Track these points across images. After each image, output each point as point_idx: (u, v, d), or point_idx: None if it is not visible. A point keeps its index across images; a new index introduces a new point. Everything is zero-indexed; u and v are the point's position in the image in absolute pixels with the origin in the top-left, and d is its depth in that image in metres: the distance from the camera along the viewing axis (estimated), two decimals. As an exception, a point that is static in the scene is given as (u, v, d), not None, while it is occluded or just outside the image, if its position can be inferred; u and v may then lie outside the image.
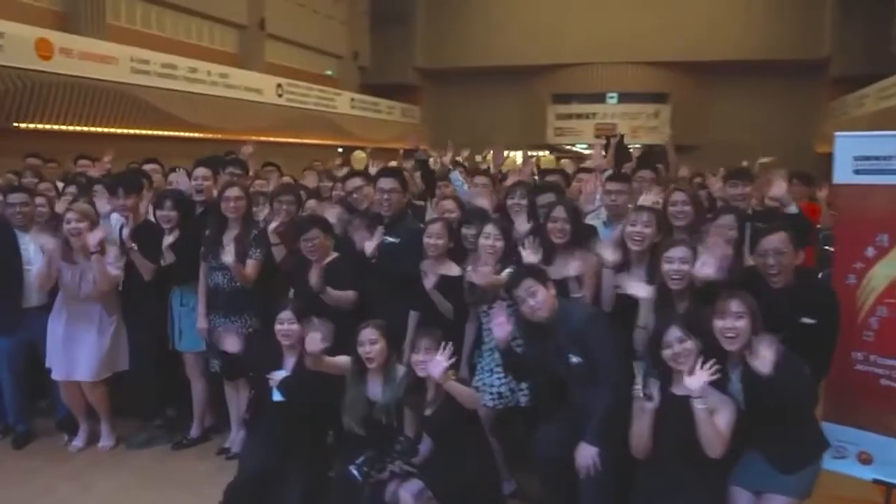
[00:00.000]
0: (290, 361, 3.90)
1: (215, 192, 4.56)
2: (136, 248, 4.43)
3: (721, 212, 3.76)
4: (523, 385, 3.81)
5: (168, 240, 4.40)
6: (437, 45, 22.57)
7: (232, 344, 3.82)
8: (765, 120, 19.93)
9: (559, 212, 3.74)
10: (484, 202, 4.42)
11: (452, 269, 4.01)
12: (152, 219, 4.62)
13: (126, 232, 4.47)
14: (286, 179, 6.46)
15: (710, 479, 3.04)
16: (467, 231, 4.07)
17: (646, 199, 4.05)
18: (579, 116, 22.17)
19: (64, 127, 12.15)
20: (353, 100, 20.39)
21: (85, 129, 12.48)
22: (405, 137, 21.85)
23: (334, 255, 4.25)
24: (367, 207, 4.53)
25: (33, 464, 4.51)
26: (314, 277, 4.11)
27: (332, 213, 4.44)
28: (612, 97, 21.87)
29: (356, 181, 4.64)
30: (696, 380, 2.92)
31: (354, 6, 21.81)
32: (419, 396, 3.59)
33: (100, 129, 12.71)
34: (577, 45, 21.15)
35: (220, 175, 5.04)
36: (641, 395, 3.02)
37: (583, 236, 3.77)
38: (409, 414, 3.68)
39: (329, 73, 21.21)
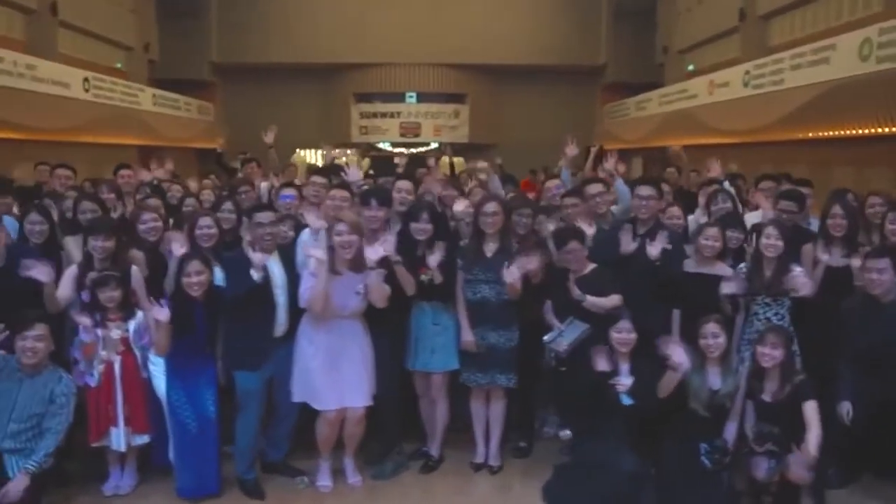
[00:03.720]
0: (624, 367, 4.15)
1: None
2: (401, 261, 4.24)
3: None
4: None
5: (436, 257, 4.29)
6: (234, 40, 21.45)
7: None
8: (552, 119, 22.06)
9: (837, 209, 4.44)
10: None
11: (726, 270, 4.49)
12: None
13: (388, 245, 4.23)
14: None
15: None
16: (731, 234, 4.58)
17: None
18: (384, 115, 22.60)
19: None
20: (154, 96, 18.74)
21: None
22: (205, 136, 20.68)
23: (591, 265, 4.50)
24: (605, 213, 4.83)
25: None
26: (573, 288, 4.36)
27: (586, 226, 4.65)
28: (411, 97, 22.60)
29: (598, 186, 4.89)
30: None
31: (142, -7, 19.95)
32: (758, 383, 4.07)
33: None
34: (377, 45, 21.50)
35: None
36: None
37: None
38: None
39: (118, 65, 19.19)
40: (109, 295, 4.11)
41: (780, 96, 13.36)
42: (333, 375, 4.15)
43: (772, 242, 4.35)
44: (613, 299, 4.38)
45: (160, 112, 18.82)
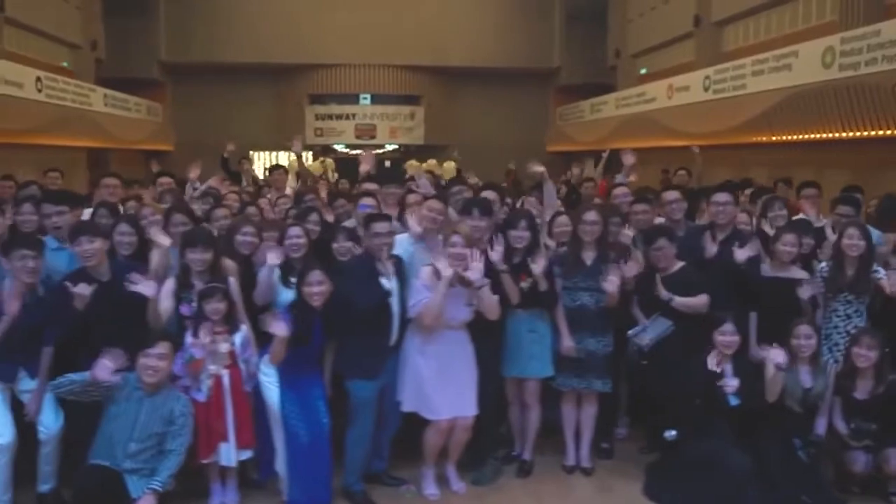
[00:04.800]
0: (728, 368, 4.31)
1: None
2: (507, 270, 4.30)
3: None
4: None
5: (541, 264, 4.36)
6: (184, 39, 20.91)
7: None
8: (507, 122, 22.49)
9: None
10: None
11: (801, 273, 4.72)
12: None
13: (496, 255, 4.29)
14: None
15: None
16: (804, 239, 4.82)
17: None
18: (339, 117, 22.40)
19: None
20: (105, 96, 18.05)
21: None
22: (154, 138, 20.07)
23: (680, 263, 4.67)
24: (679, 220, 5.01)
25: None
26: (661, 288, 4.53)
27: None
28: (365, 98, 22.50)
29: (674, 193, 5.05)
30: None
31: (87, -11, 19.16)
32: (848, 382, 4.31)
33: None
34: (331, 46, 21.33)
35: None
36: None
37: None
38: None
39: (65, 64, 18.41)
40: (215, 307, 4.02)
41: (742, 101, 13.91)
42: (445, 385, 4.17)
43: (854, 242, 4.58)
44: (702, 299, 4.54)
45: (111, 113, 18.16)
